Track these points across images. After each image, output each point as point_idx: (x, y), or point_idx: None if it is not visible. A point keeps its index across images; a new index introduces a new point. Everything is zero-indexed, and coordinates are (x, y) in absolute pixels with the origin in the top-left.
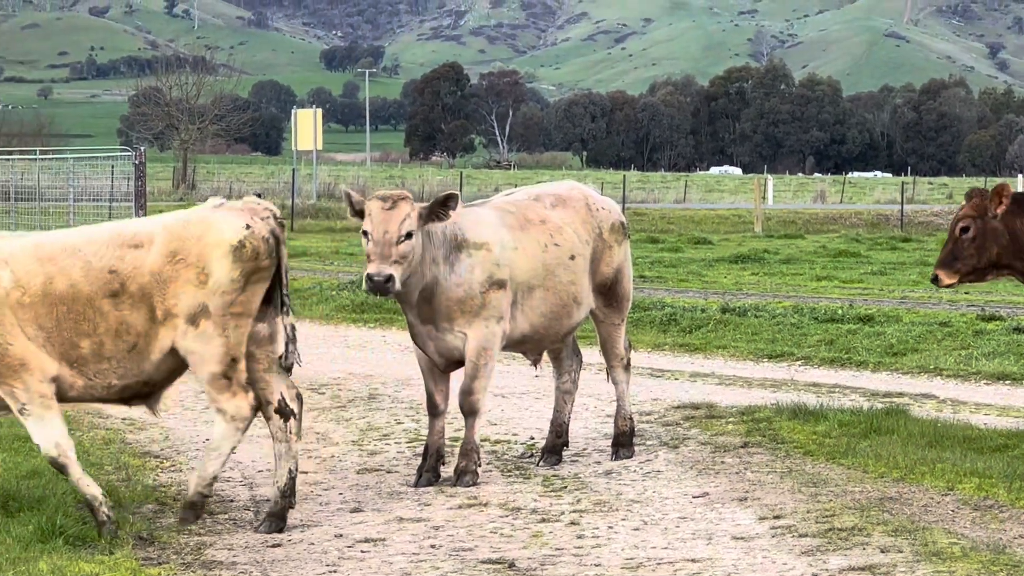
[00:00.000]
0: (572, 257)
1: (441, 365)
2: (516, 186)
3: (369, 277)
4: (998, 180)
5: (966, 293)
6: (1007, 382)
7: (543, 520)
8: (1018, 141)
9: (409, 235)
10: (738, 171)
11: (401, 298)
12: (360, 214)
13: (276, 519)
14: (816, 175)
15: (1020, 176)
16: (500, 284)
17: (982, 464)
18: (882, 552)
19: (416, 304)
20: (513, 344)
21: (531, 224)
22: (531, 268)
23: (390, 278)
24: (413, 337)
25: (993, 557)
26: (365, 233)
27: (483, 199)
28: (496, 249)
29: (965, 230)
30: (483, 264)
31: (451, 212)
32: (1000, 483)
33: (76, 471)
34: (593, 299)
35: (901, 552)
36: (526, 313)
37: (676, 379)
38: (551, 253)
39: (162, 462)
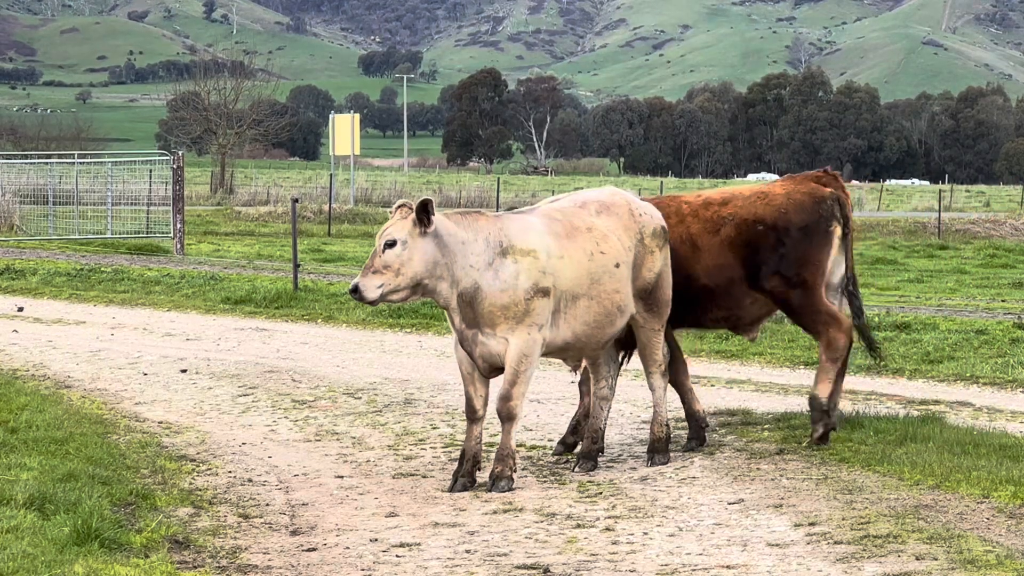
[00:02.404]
0: (617, 265)
1: (484, 370)
2: (553, 192)
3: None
4: None
5: (1003, 301)
6: None
7: (578, 526)
8: None
9: (391, 244)
10: (775, 178)
11: (440, 304)
12: None
13: None
14: (853, 182)
15: None
16: (544, 292)
17: (1018, 472)
18: (917, 559)
19: (460, 309)
20: (555, 351)
21: (578, 232)
22: (576, 277)
23: (355, 288)
24: (461, 342)
25: None
26: None
27: (529, 206)
28: (543, 256)
29: None
30: (529, 271)
31: (432, 218)
32: None
33: None
34: (634, 304)
35: (936, 560)
36: (569, 321)
37: (712, 386)
38: (597, 261)
39: (198, 466)
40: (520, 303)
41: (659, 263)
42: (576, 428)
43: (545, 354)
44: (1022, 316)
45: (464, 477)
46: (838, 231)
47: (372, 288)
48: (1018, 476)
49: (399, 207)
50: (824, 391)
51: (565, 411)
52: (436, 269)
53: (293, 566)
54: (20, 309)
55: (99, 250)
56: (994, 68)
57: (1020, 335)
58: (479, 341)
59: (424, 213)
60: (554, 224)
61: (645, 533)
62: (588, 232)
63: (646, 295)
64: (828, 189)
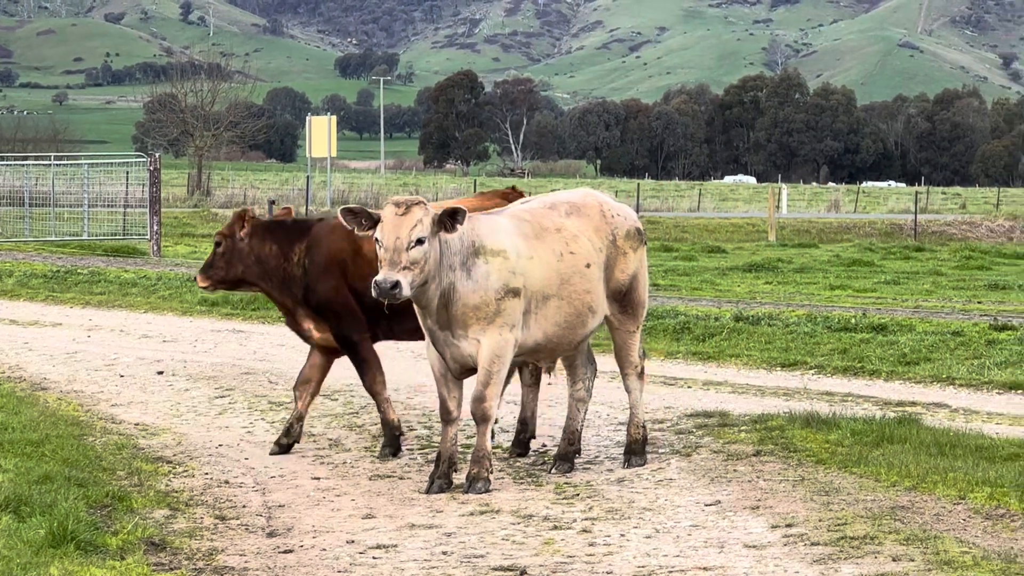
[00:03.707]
0: (587, 265)
1: (455, 372)
2: (530, 194)
3: (376, 283)
4: (1011, 191)
5: (979, 303)
6: (1019, 391)
7: (555, 527)
8: None
9: (420, 241)
10: (752, 180)
11: (420, 304)
12: (377, 225)
13: None
14: (830, 184)
15: None
16: (515, 292)
17: (994, 473)
18: (894, 561)
19: (436, 310)
20: (527, 352)
21: (546, 232)
22: (545, 277)
23: (396, 284)
24: (433, 343)
25: (1004, 566)
26: (378, 240)
27: (499, 208)
28: (512, 257)
29: (218, 245)
30: (499, 271)
31: (457, 226)
32: (1012, 492)
33: None
34: (608, 306)
35: (913, 561)
36: (540, 322)
37: (689, 387)
38: (566, 262)
39: (175, 467)
40: (491, 304)
41: (633, 265)
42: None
43: (517, 355)
44: (998, 318)
45: (440, 479)
46: None
47: (408, 285)
48: (994, 477)
49: (407, 204)
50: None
51: (541, 412)
52: (434, 268)
53: (270, 568)
54: None
55: (76, 252)
56: (970, 70)
57: (996, 336)
58: (450, 342)
59: (451, 219)
60: (523, 225)
61: (622, 535)
62: (557, 233)
63: (620, 296)
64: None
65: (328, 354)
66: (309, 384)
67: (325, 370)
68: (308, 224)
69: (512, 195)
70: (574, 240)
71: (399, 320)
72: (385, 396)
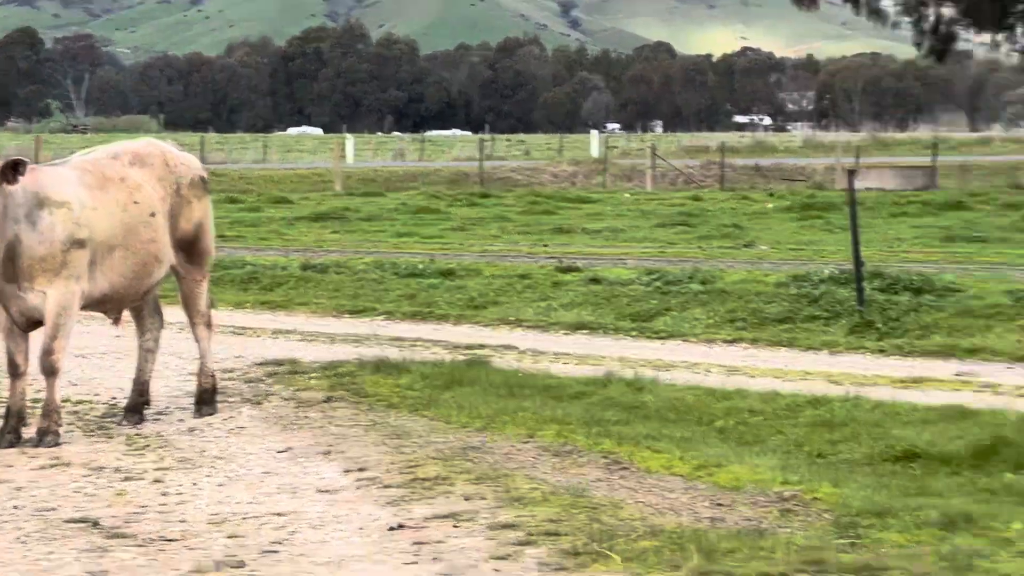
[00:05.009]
0: (152, 215)
1: (22, 325)
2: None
3: None
4: (573, 137)
5: (544, 246)
6: (584, 331)
7: (127, 479)
8: (592, 98)
9: None
10: (318, 131)
11: None
12: None
13: None
14: (395, 134)
15: (594, 132)
16: (80, 243)
17: (561, 411)
18: (465, 500)
19: (2, 263)
20: (93, 304)
21: (110, 183)
22: (110, 227)
23: None
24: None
25: (573, 500)
26: None
27: (62, 159)
28: (76, 208)
29: None
30: (64, 223)
31: (19, 178)
32: (579, 429)
33: None
34: (174, 255)
35: (484, 499)
36: (106, 273)
37: (258, 336)
38: (131, 212)
39: None
40: (57, 255)
41: (198, 214)
42: None
43: (84, 307)
44: (563, 260)
45: (10, 434)
46: None
47: None
48: (562, 415)
49: None
50: None
51: (111, 365)
52: None
53: None
54: None
55: None
56: (530, 18)
57: (561, 278)
58: (17, 295)
59: (13, 171)
60: (86, 176)
61: (194, 483)
62: (121, 182)
63: (186, 246)
64: None
65: None
66: None
67: None
68: None
69: None
70: (138, 190)
71: None
72: None
